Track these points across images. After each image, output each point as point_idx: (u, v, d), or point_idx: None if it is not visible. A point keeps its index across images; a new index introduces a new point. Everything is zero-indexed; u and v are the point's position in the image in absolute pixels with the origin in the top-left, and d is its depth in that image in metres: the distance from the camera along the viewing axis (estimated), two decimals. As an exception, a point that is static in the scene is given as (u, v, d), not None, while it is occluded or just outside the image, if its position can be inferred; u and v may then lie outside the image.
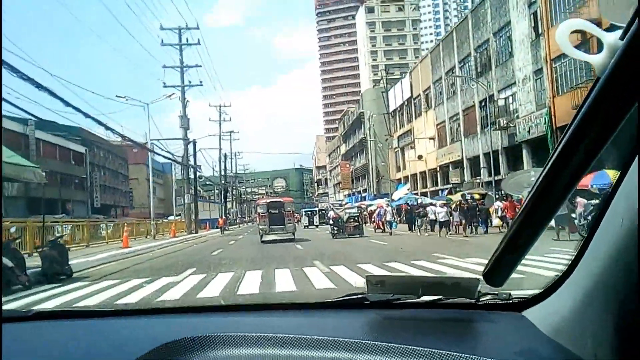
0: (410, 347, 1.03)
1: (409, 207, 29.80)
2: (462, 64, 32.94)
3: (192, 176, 36.53)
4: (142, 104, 28.01)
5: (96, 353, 1.19)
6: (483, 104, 29.90)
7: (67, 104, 16.01)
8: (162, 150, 34.37)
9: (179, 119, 34.51)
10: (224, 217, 40.74)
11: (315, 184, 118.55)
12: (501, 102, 27.87)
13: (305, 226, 47.94)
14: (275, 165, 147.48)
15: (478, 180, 30.48)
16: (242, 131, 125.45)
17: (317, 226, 47.27)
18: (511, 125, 26.30)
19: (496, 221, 19.82)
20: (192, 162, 35.89)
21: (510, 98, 27.30)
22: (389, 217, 27.01)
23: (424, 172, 40.94)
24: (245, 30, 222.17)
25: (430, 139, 38.38)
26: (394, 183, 49.29)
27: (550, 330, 1.05)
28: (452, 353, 0.99)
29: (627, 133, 0.72)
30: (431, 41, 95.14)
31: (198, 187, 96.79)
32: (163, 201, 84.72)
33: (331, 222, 23.94)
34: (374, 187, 58.32)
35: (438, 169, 37.74)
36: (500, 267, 0.97)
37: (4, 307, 1.56)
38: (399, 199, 40.74)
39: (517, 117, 26.18)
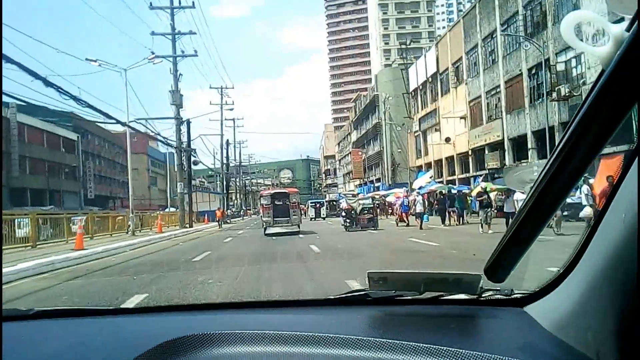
0: (412, 343, 1.02)
1: (442, 196, 24.60)
2: (505, 26, 27.47)
3: (186, 162, 31.47)
4: (118, 69, 22.86)
5: (98, 351, 1.18)
6: (534, 71, 24.51)
7: (49, 84, 13.68)
8: (151, 132, 29.33)
9: (169, 95, 29.41)
10: (222, 209, 35.47)
11: (323, 175, 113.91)
12: (560, 67, 22.51)
13: (311, 218, 43.59)
14: (282, 156, 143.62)
15: (524, 164, 25.14)
16: (248, 124, 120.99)
17: (324, 218, 42.65)
18: (575, 94, 20.99)
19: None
20: (185, 145, 30.82)
21: (574, 61, 21.89)
22: (419, 208, 21.84)
23: (451, 157, 35.64)
24: (250, 22, 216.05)
25: (460, 118, 33.03)
26: (413, 171, 44.05)
27: (551, 326, 1.04)
28: (454, 349, 0.99)
29: (629, 129, 0.72)
30: (443, 27, 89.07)
31: (201, 178, 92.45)
32: (164, 192, 79.99)
33: (343, 213, 21.82)
34: (388, 176, 53.08)
35: (470, 153, 32.38)
36: (502, 263, 0.97)
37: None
38: (420, 187, 35.75)
39: (584, 83, 20.86)
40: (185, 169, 30.81)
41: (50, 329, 1.38)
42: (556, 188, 0.80)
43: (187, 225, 29.93)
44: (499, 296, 1.29)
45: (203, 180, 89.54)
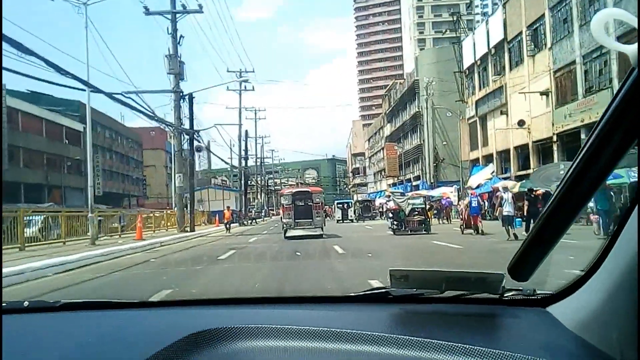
0: (434, 340, 1.01)
1: (532, 196, 17.04)
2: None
3: (188, 147, 24.64)
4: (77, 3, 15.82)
5: (123, 343, 1.20)
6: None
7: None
8: (146, 109, 22.66)
9: (165, 62, 22.65)
10: (230, 209, 28.34)
11: (351, 174, 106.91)
12: None
13: (338, 220, 36.57)
14: (306, 157, 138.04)
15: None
16: (272, 125, 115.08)
17: (352, 221, 35.78)
18: None
19: None
20: (187, 127, 24.00)
21: None
22: (507, 210, 14.51)
23: (524, 145, 27.92)
24: (273, 24, 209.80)
25: (541, 94, 25.34)
26: (465, 168, 36.42)
27: (574, 326, 1.03)
28: (477, 347, 0.98)
29: None
30: (483, 13, 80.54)
31: (223, 177, 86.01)
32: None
33: (390, 215, 19.24)
34: (430, 173, 45.49)
35: (555, 139, 24.61)
36: (526, 262, 0.97)
37: (31, 299, 1.52)
38: (478, 186, 28.29)
39: None
40: (186, 157, 23.98)
41: (76, 321, 1.40)
42: (581, 189, 0.79)
43: (188, 229, 23.14)
44: (521, 296, 1.26)
45: (225, 179, 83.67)
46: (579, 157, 0.77)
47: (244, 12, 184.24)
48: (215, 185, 44.84)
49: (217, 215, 35.30)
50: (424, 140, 46.98)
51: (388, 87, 63.72)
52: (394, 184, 59.45)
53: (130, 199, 66.63)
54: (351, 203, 39.33)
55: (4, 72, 10.39)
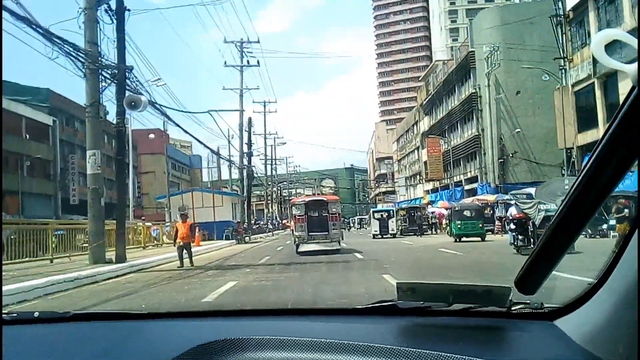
0: (441, 353, 1.01)
1: None
2: None
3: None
4: None
5: (132, 353, 1.19)
6: None
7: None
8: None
9: None
10: (189, 222, 13.98)
11: (372, 183, 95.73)
12: None
13: (374, 235, 25.98)
14: (324, 165, 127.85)
15: None
16: (289, 135, 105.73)
17: (394, 235, 26.14)
18: None
19: None
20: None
21: None
22: None
23: None
24: (289, 36, 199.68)
25: None
26: (558, 168, 24.72)
27: (582, 340, 1.02)
28: None
29: None
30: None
31: (234, 186, 75.82)
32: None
33: (512, 226, 13.25)
34: (495, 172, 33.77)
35: None
36: (533, 275, 0.96)
37: (43, 309, 1.51)
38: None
39: None
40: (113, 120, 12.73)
41: (86, 331, 1.39)
42: (587, 202, 0.80)
43: (115, 256, 11.81)
44: (528, 309, 1.25)
45: (236, 188, 73.10)
46: (583, 173, 0.78)
47: (260, 25, 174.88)
48: (204, 188, 33.11)
49: (198, 228, 24.01)
50: (482, 130, 35.32)
51: (427, 69, 52.26)
52: (434, 190, 47.73)
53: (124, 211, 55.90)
54: (392, 212, 27.80)
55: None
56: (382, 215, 27.66)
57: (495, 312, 1.26)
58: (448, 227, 26.97)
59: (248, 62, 33.95)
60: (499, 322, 1.25)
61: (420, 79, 57.12)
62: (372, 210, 29.46)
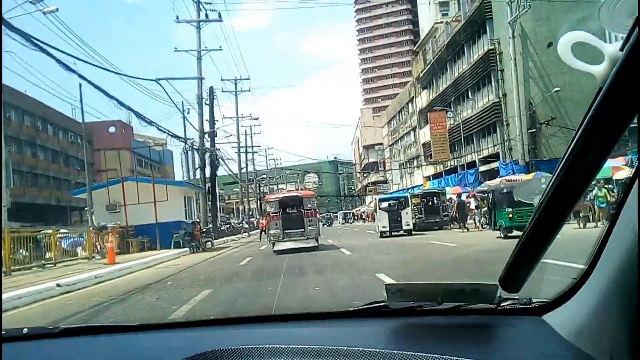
0: (432, 355, 1.00)
1: None
2: None
3: None
4: None
5: None
6: None
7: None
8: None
9: None
10: None
11: (358, 174, 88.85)
12: None
13: (382, 233, 19.61)
14: (307, 159, 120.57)
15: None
16: (269, 131, 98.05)
17: (409, 232, 19.45)
18: None
19: None
20: None
21: None
22: None
23: None
24: (269, 32, 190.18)
25: None
26: None
27: (569, 334, 1.02)
28: None
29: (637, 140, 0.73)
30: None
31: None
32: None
33: None
34: (524, 145, 26.59)
35: None
36: (516, 273, 0.97)
37: (31, 325, 1.46)
38: None
39: None
40: None
41: (76, 346, 1.37)
42: (565, 196, 0.82)
43: None
44: (517, 305, 1.25)
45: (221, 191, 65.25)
46: (558, 171, 0.80)
47: (239, 21, 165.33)
48: (142, 177, 24.52)
49: (136, 234, 16.18)
50: (504, 95, 28.12)
51: (424, 36, 44.93)
52: (435, 177, 40.55)
53: (69, 213, 47.19)
54: (407, 199, 20.21)
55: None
56: (391, 204, 20.10)
57: (484, 309, 1.24)
58: (483, 218, 19.74)
59: (207, 15, 26.09)
60: (488, 319, 1.23)
61: (415, 47, 49.82)
62: (378, 198, 21.90)
